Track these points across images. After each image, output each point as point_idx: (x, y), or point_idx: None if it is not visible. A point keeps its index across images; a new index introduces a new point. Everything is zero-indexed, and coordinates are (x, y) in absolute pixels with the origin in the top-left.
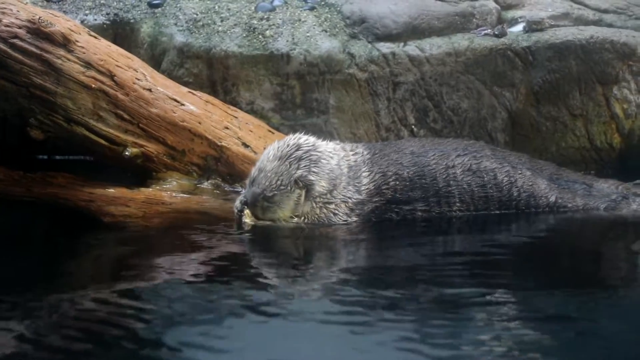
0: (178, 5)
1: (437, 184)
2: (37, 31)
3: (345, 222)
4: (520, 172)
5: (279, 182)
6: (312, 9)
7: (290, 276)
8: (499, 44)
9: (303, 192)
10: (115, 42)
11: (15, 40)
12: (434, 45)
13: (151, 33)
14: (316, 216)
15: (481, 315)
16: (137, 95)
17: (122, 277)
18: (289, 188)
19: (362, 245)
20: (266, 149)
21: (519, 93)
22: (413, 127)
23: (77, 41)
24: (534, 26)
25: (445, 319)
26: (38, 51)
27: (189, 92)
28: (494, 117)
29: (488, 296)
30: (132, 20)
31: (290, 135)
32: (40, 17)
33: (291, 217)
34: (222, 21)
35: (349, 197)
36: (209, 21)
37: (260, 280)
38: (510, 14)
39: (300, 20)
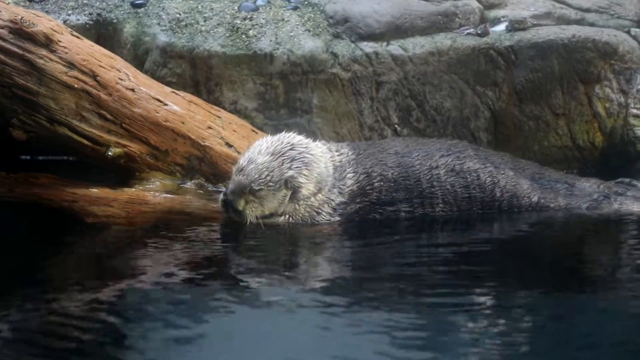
0: (161, 5)
1: (421, 185)
2: (20, 31)
3: (328, 222)
4: (503, 172)
5: (268, 178)
6: (295, 8)
7: (271, 276)
8: (481, 43)
9: (289, 193)
10: (98, 42)
11: None
12: (417, 45)
13: (134, 33)
14: (300, 215)
15: (462, 315)
16: (120, 95)
17: (105, 277)
18: (277, 186)
19: (344, 244)
20: (258, 141)
21: (502, 92)
22: (396, 126)
23: (60, 41)
24: (516, 25)
25: (421, 318)
26: (20, 51)
27: (172, 92)
28: (477, 116)
29: (468, 296)
30: (115, 20)
31: (284, 133)
32: (22, 17)
33: (271, 215)
34: (205, 21)
35: (333, 200)
36: (192, 21)
37: (242, 278)
38: (492, 13)
39: (283, 20)
